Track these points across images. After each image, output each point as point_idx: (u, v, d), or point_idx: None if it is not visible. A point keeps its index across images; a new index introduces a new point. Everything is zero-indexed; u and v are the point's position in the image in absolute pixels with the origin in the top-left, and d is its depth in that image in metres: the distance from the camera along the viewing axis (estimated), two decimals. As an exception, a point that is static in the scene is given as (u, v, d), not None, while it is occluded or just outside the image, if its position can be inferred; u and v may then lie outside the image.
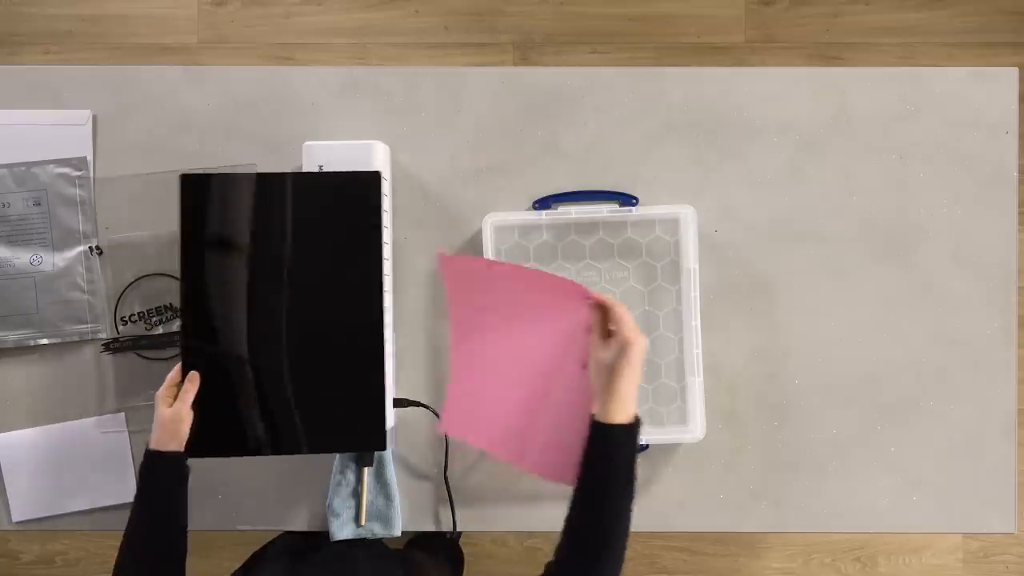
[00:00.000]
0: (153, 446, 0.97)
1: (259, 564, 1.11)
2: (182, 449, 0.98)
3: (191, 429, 0.99)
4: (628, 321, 0.88)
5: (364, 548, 1.11)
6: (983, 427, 1.15)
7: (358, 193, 1.04)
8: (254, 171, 1.15)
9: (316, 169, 1.05)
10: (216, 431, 1.03)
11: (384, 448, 1.06)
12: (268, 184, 1.04)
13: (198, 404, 1.00)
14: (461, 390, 1.01)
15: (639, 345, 0.86)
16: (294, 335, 1.03)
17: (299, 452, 1.04)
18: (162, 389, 0.99)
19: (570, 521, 0.86)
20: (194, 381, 1.00)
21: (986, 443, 1.15)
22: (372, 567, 1.08)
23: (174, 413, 0.97)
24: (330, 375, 1.04)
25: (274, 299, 1.03)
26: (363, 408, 1.05)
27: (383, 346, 1.05)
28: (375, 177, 1.05)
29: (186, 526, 0.97)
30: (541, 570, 0.85)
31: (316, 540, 1.14)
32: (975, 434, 1.15)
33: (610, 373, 0.87)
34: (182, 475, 0.98)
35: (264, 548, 1.18)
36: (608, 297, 0.90)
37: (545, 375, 0.96)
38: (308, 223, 1.03)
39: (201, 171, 1.13)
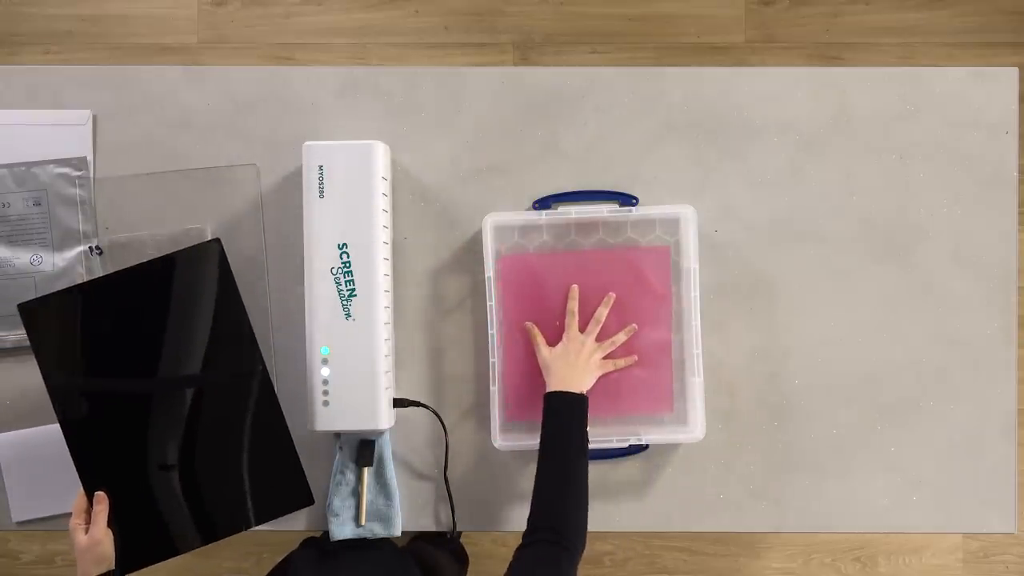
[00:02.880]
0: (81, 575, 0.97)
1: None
2: (112, 568, 0.98)
3: (116, 547, 0.99)
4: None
5: (374, 547, 1.12)
6: (983, 427, 1.15)
7: (203, 263, 1.04)
8: (254, 171, 1.15)
9: (316, 170, 1.05)
10: (143, 540, 1.03)
11: (312, 502, 1.08)
12: (111, 287, 1.03)
13: (115, 520, 1.00)
14: (515, 380, 1.12)
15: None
16: (188, 423, 1.03)
17: (232, 533, 1.05)
18: (72, 519, 0.99)
19: (534, 488, 0.98)
20: (103, 502, 1.00)
21: (986, 443, 1.15)
22: (388, 564, 1.09)
23: (91, 540, 0.97)
24: (235, 449, 1.05)
25: (157, 397, 1.03)
26: (279, 469, 1.06)
27: (277, 403, 1.06)
28: (214, 245, 1.04)
29: None
30: None
31: (325, 544, 1.13)
32: (975, 434, 1.15)
33: None
34: None
35: (284, 565, 1.18)
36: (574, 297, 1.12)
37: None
38: (164, 311, 1.03)
39: (41, 295, 1.05)
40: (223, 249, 1.05)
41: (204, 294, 1.04)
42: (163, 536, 1.04)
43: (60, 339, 1.03)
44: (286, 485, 1.07)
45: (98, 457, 1.03)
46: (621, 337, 1.11)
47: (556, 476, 0.97)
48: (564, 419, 1.01)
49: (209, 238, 1.13)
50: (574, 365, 1.05)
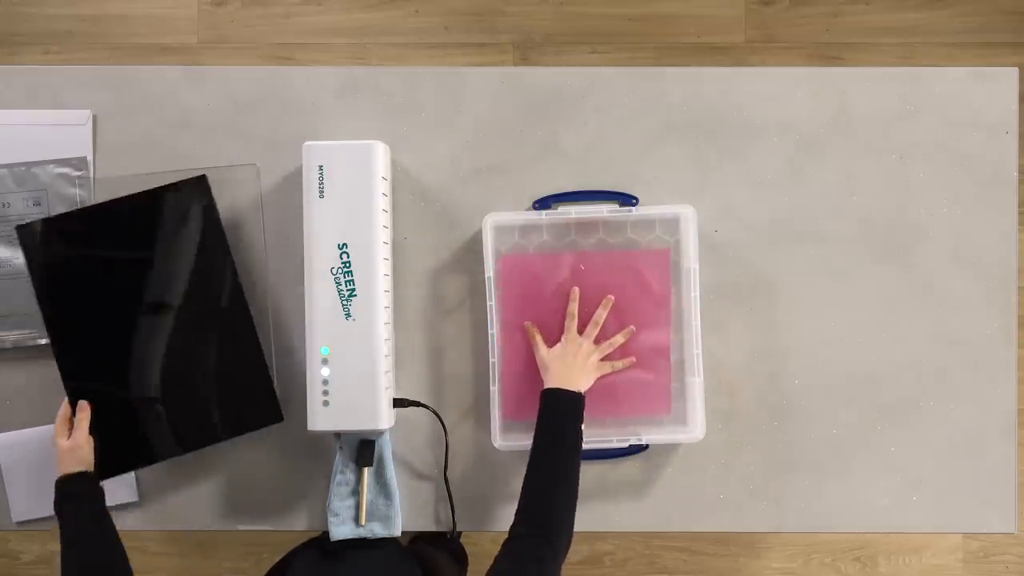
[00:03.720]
0: (60, 474, 1.00)
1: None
2: (91, 470, 1.02)
3: (96, 453, 1.03)
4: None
5: (376, 546, 1.12)
6: (983, 427, 1.15)
7: (191, 196, 1.09)
8: (254, 171, 1.15)
9: (316, 170, 1.05)
10: (121, 447, 1.07)
11: (280, 419, 1.10)
12: (104, 214, 1.08)
13: (96, 429, 1.04)
14: (515, 380, 1.12)
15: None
16: (168, 341, 1.08)
17: (205, 445, 1.10)
18: (56, 424, 1.03)
19: (524, 482, 0.98)
20: (85, 409, 1.04)
21: (986, 443, 1.15)
22: (390, 564, 1.09)
23: (73, 443, 1.01)
24: (212, 366, 1.09)
25: (141, 315, 1.08)
26: (251, 387, 1.10)
27: (252, 324, 1.10)
28: (202, 180, 1.10)
29: (123, 550, 0.99)
30: None
31: (327, 544, 1.13)
32: (975, 434, 1.15)
33: None
34: (97, 492, 1.01)
35: (283, 566, 1.17)
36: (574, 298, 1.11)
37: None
38: (151, 238, 1.08)
39: (41, 217, 1.10)
40: (208, 184, 1.09)
41: (190, 224, 1.09)
42: (140, 445, 1.08)
43: (52, 259, 1.07)
44: (259, 403, 1.10)
45: (82, 369, 1.07)
46: (619, 339, 1.11)
47: (546, 472, 0.98)
48: (559, 416, 1.02)
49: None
50: (572, 366, 1.06)
